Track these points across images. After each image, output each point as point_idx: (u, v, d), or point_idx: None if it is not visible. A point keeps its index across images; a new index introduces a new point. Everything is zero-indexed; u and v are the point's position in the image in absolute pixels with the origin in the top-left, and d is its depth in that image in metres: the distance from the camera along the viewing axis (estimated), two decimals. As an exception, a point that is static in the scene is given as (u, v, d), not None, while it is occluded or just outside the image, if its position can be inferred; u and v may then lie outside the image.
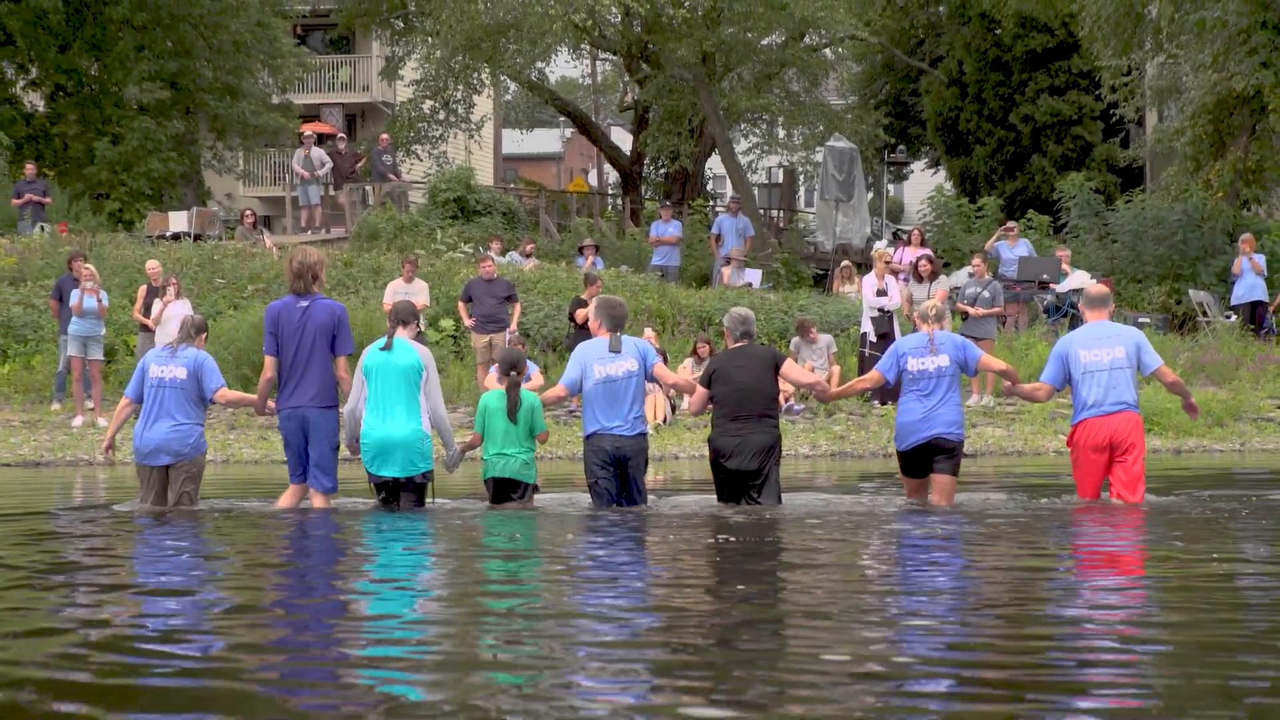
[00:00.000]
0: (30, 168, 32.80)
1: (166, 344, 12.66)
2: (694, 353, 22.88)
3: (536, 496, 12.35)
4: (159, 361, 12.26)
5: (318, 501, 11.95)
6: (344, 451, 12.16)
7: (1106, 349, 11.85)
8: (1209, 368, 24.64)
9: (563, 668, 5.50)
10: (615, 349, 12.02)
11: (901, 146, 59.70)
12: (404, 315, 12.03)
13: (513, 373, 12.21)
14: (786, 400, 21.43)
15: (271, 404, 12.10)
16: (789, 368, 12.56)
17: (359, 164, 37.22)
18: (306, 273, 11.85)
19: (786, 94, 46.44)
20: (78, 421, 22.10)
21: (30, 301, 25.58)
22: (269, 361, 11.89)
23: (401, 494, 11.80)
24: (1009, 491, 13.82)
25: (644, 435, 12.11)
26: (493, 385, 18.78)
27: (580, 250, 30.61)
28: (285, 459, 12.28)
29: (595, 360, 12.02)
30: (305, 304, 11.83)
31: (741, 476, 12.00)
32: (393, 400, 11.63)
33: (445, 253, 30.32)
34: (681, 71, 39.42)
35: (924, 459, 12.10)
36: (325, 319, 11.78)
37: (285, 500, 12.06)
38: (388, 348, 11.68)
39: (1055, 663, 5.67)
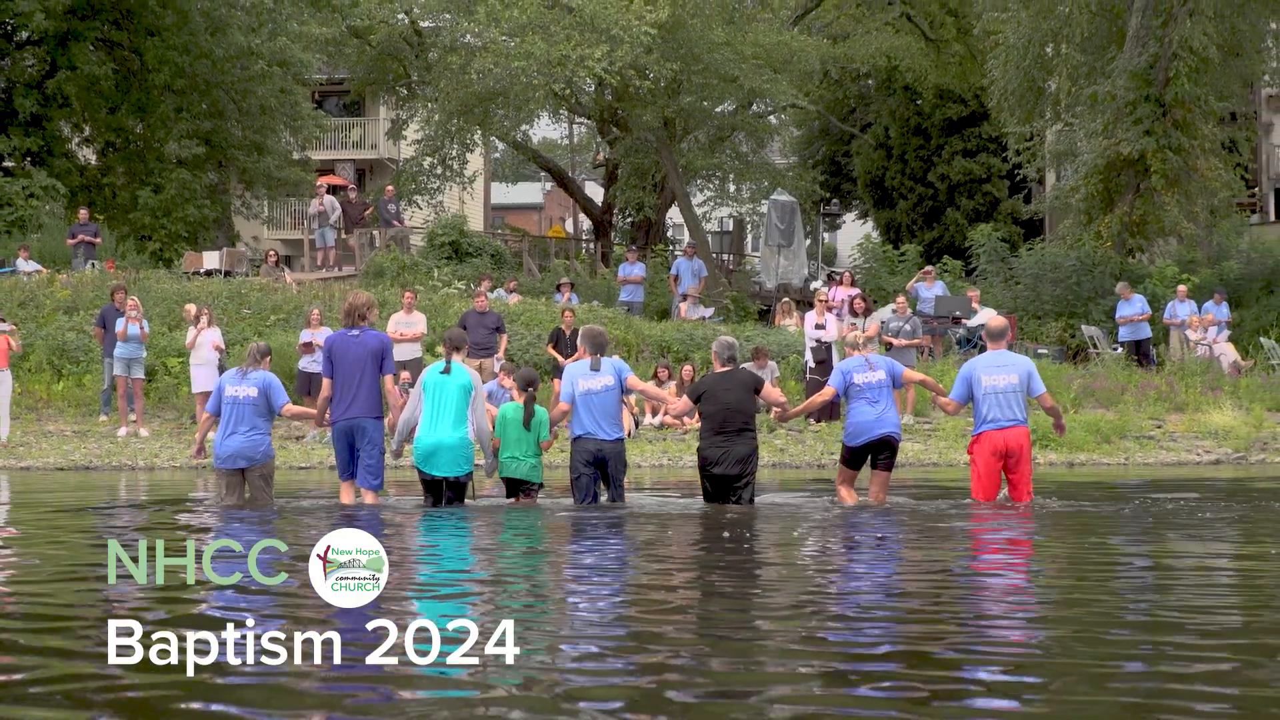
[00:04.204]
0: (83, 212, 32.68)
1: (237, 368, 13.03)
2: (655, 376, 22.88)
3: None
4: (232, 383, 12.74)
5: (368, 498, 12.26)
6: (388, 456, 12.61)
7: (1004, 375, 12.29)
8: (1098, 393, 24.74)
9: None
10: (595, 368, 12.42)
11: (835, 200, 59.99)
12: (456, 342, 12.47)
13: (530, 389, 12.66)
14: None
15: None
16: (766, 390, 12.85)
17: (367, 212, 37.14)
18: (355, 311, 12.38)
19: (736, 154, 46.70)
20: (122, 432, 22.14)
21: (82, 328, 25.50)
22: (326, 383, 12.35)
23: (444, 490, 12.05)
24: (926, 495, 13.98)
25: (621, 440, 12.44)
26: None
27: (558, 288, 30.56)
28: (335, 463, 12.57)
29: (579, 377, 12.46)
30: (357, 334, 12.31)
31: (725, 480, 12.24)
32: (445, 412, 12.00)
33: (441, 289, 30.27)
34: (646, 134, 39.52)
35: (869, 454, 12.54)
36: (375, 345, 12.28)
37: (345, 496, 12.32)
38: (446, 371, 12.11)
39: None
